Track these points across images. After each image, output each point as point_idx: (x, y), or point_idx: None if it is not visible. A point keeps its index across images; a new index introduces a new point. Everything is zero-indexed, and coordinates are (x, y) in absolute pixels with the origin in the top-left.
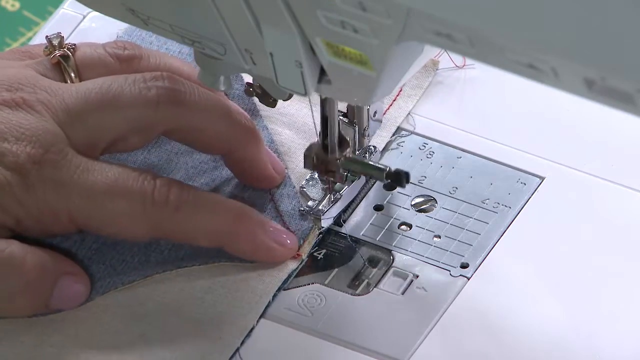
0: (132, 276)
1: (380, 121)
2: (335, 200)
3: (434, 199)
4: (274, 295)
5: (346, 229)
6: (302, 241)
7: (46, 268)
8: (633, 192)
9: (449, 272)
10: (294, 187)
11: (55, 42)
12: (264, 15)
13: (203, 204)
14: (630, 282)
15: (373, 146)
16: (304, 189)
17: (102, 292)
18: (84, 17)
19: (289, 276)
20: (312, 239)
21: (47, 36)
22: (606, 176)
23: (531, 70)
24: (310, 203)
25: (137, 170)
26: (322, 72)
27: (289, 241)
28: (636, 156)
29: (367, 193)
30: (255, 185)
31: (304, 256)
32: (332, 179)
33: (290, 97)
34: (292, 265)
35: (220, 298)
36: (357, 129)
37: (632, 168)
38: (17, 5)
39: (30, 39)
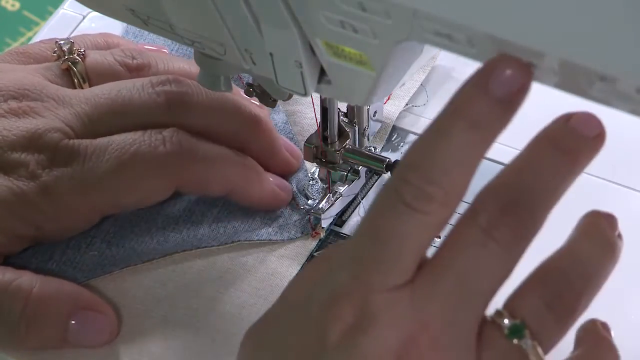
0: (152, 255)
1: (381, 121)
2: (335, 200)
3: None
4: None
5: (346, 229)
6: (319, 220)
7: (56, 301)
8: (633, 192)
9: None
10: (305, 169)
11: (65, 48)
12: (264, 15)
13: (213, 149)
14: (630, 282)
15: (373, 147)
16: (304, 189)
17: (121, 267)
18: (84, 17)
19: (307, 258)
20: (329, 220)
21: (56, 41)
22: (606, 176)
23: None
24: (310, 202)
25: (140, 130)
26: (322, 72)
27: (287, 186)
28: (636, 156)
29: (367, 193)
30: (274, 174)
31: (322, 234)
32: (331, 171)
33: (290, 97)
34: (311, 246)
35: (240, 279)
36: (357, 129)
37: (632, 168)
38: (17, 5)
39: (30, 38)
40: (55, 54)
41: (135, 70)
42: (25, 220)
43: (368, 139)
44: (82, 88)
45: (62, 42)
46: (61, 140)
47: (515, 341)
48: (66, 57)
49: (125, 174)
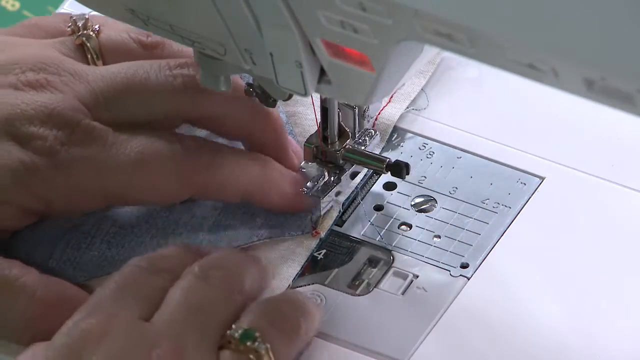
0: None
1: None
2: (335, 183)
3: (434, 199)
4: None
5: (346, 229)
6: (319, 219)
7: (58, 305)
8: (633, 192)
9: (449, 272)
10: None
11: (80, 23)
12: (264, 15)
13: (233, 156)
14: (630, 282)
15: (373, 130)
16: (303, 170)
17: (120, 268)
18: None
19: (307, 259)
20: (330, 219)
21: (71, 16)
22: (606, 176)
23: (531, 70)
24: (309, 184)
25: (163, 132)
26: (322, 72)
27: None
28: (636, 156)
29: (367, 193)
30: None
31: (322, 234)
32: (335, 171)
33: (290, 97)
34: (312, 246)
35: None
36: (357, 111)
37: (632, 168)
38: (17, 5)
39: None
40: (69, 29)
41: (149, 47)
42: (36, 195)
43: (369, 121)
44: (96, 64)
45: (76, 17)
46: (82, 120)
47: (249, 344)
48: (80, 32)
49: (142, 171)
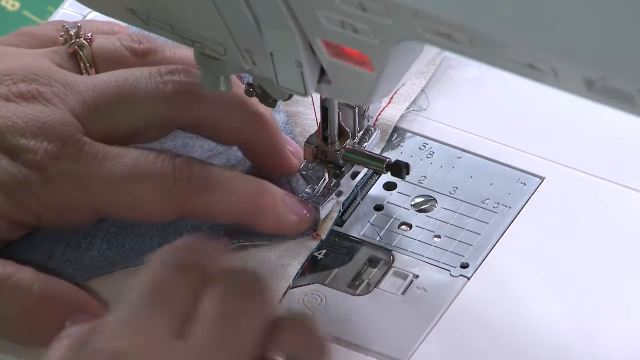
0: None
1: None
2: (335, 187)
3: (434, 199)
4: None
5: (346, 229)
6: (319, 222)
7: (55, 301)
8: (633, 192)
9: (449, 272)
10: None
11: (72, 32)
12: (264, 15)
13: (224, 180)
14: (630, 282)
15: (372, 128)
16: (303, 174)
17: (121, 267)
18: (84, 17)
19: (307, 258)
20: (330, 220)
21: (64, 25)
22: (606, 176)
23: (531, 70)
24: (307, 190)
25: (155, 151)
26: (322, 72)
27: (306, 212)
28: (636, 156)
29: (367, 193)
30: (276, 173)
31: (323, 236)
32: (335, 172)
33: (290, 97)
34: (312, 246)
35: None
36: (357, 110)
37: (632, 168)
38: (17, 5)
39: None
40: (62, 38)
41: (142, 55)
42: (26, 208)
43: (369, 121)
44: (89, 72)
45: (69, 26)
46: (73, 134)
47: None
48: (73, 41)
49: (131, 189)
